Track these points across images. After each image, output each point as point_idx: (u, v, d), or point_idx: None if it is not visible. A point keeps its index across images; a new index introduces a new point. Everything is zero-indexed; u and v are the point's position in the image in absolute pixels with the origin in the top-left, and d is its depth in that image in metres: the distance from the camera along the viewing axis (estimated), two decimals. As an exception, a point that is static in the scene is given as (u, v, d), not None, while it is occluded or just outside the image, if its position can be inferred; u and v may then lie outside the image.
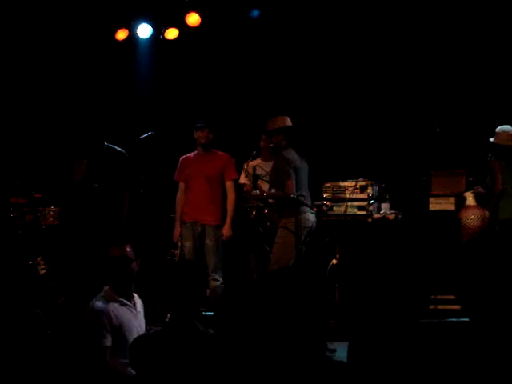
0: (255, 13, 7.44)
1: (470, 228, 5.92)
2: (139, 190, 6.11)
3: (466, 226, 5.93)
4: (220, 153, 5.99)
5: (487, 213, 5.95)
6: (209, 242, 5.82)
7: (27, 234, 6.63)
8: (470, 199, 6.06)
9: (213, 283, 5.75)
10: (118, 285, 3.74)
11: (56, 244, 6.58)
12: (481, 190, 6.06)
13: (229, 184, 5.90)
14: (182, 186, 6.01)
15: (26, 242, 6.53)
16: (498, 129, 5.95)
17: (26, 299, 5.04)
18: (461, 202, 6.17)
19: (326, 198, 6.34)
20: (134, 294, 3.85)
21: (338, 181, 6.55)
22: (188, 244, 5.87)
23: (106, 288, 3.77)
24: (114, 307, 3.69)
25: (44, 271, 6.26)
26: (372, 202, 6.26)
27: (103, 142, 5.74)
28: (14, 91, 7.73)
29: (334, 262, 5.98)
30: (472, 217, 5.92)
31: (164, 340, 2.84)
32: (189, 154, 6.05)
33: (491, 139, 5.97)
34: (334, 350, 4.68)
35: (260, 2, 7.44)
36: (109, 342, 3.59)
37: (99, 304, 3.67)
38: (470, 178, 6.35)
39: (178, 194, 6.03)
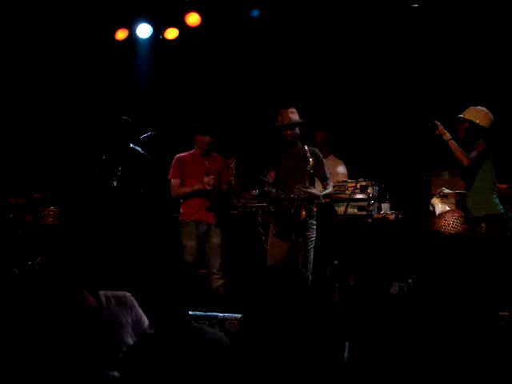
0: (255, 13, 7.44)
1: (452, 233, 5.40)
2: (139, 190, 6.11)
3: (447, 233, 5.41)
4: (215, 154, 6.01)
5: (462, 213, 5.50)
6: (216, 240, 5.83)
7: (27, 233, 6.63)
8: (440, 206, 5.67)
9: (218, 282, 5.74)
10: None
11: (56, 244, 6.59)
12: (446, 190, 5.70)
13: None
14: (178, 182, 5.92)
15: (26, 242, 6.52)
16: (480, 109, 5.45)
17: (26, 299, 5.03)
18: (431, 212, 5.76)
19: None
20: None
21: (338, 181, 6.57)
22: (191, 243, 5.81)
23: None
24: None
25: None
26: (372, 202, 6.26)
27: (129, 142, 5.90)
28: (14, 91, 7.73)
29: (334, 261, 5.97)
30: (451, 223, 5.43)
31: (161, 342, 2.80)
32: (184, 154, 6.02)
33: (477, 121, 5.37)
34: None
35: (260, 2, 7.44)
36: None
37: None
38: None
39: (176, 189, 5.93)
